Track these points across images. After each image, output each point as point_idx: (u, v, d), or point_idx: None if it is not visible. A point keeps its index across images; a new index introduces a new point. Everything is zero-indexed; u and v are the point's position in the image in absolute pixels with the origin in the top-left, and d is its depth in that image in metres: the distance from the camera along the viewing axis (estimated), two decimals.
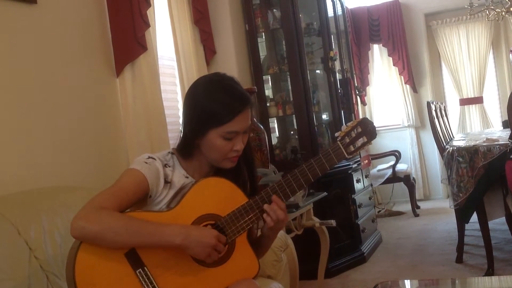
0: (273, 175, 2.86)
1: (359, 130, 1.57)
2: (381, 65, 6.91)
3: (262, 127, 3.33)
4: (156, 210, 1.55)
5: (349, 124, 1.59)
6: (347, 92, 4.47)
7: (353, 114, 4.57)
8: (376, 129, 1.61)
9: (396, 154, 5.99)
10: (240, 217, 1.53)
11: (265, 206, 1.54)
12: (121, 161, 2.79)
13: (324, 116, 4.35)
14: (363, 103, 6.49)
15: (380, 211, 5.97)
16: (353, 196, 4.13)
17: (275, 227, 1.57)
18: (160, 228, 1.42)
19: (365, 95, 6.67)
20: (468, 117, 6.69)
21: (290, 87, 4.00)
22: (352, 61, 5.07)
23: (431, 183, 6.74)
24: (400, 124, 6.81)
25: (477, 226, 3.51)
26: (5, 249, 1.72)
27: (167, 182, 1.56)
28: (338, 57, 4.27)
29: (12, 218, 1.80)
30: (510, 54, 6.44)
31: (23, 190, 2.06)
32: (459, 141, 3.99)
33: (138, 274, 1.43)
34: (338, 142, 1.56)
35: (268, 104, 4.06)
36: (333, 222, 3.19)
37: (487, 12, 5.08)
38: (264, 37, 4.20)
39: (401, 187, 6.02)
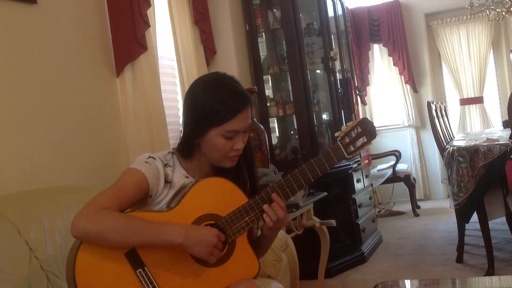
0: (273, 175, 2.86)
1: (359, 130, 1.56)
2: (381, 65, 6.91)
3: (262, 127, 3.33)
4: (156, 210, 1.55)
5: (349, 124, 1.59)
6: (347, 92, 4.47)
7: (353, 114, 4.57)
8: (376, 129, 1.61)
9: (396, 154, 5.99)
10: (240, 217, 1.53)
11: (265, 206, 1.54)
12: (121, 161, 2.79)
13: (324, 116, 4.34)
14: (363, 103, 6.49)
15: (380, 211, 5.97)
16: (353, 196, 4.13)
17: (275, 226, 1.57)
18: (160, 227, 1.42)
19: (365, 95, 6.66)
20: (468, 117, 6.69)
21: (290, 87, 3.99)
22: (352, 61, 5.07)
23: (431, 183, 6.74)
24: (400, 124, 6.81)
25: (478, 226, 3.51)
26: (5, 249, 1.72)
27: (167, 182, 1.56)
28: (338, 57, 4.27)
29: (12, 218, 1.80)
30: (511, 54, 6.44)
31: (23, 190, 2.06)
32: (459, 141, 3.99)
33: (138, 274, 1.42)
34: (338, 142, 1.56)
35: (268, 104, 4.06)
36: (333, 222, 3.18)
37: (488, 12, 5.08)
38: (264, 37, 4.20)
39: (401, 187, 6.02)
